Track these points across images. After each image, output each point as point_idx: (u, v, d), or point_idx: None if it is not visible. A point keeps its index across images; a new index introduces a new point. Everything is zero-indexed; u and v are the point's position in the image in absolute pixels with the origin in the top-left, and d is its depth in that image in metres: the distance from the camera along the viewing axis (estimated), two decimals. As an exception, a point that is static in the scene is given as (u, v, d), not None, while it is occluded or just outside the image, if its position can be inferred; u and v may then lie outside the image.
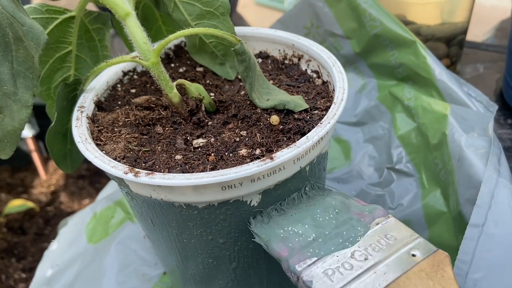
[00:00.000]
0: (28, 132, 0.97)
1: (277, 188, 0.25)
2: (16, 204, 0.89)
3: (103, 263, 0.40)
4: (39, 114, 1.01)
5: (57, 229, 0.88)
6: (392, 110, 0.43)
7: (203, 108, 0.29)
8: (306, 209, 0.25)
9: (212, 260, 0.29)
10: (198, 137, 0.28)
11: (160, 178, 0.23)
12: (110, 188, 0.52)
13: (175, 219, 0.26)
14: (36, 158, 1.02)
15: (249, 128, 0.28)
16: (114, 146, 0.27)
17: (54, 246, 0.45)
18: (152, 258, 0.40)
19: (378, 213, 0.24)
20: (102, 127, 0.29)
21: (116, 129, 0.29)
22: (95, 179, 1.07)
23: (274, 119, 0.27)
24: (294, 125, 0.26)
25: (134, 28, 0.27)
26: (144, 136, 0.28)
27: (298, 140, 0.26)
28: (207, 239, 0.27)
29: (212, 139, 0.27)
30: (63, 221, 0.54)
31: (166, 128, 0.29)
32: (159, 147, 0.27)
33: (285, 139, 0.26)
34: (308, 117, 0.27)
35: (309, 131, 0.26)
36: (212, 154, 0.26)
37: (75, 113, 0.29)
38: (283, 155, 0.23)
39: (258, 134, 0.27)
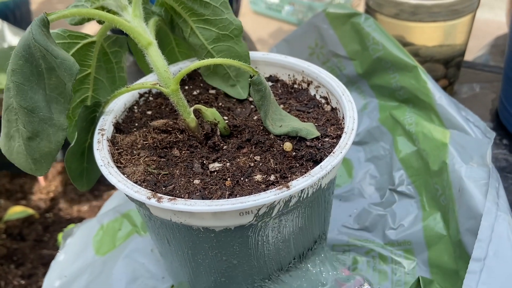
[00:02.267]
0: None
1: (289, 211, 0.27)
2: (16, 211, 0.89)
3: (111, 275, 0.41)
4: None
5: (58, 237, 0.88)
6: (393, 132, 0.45)
7: (218, 133, 0.31)
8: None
9: (224, 279, 0.30)
10: (214, 161, 0.29)
11: (182, 204, 0.24)
12: (115, 200, 0.53)
13: (192, 240, 0.28)
14: (35, 164, 1.02)
15: (263, 153, 0.29)
16: (134, 169, 0.28)
17: (61, 257, 0.46)
18: (159, 271, 0.41)
19: (356, 282, 0.26)
20: (122, 150, 0.30)
21: (135, 151, 0.30)
22: (93, 186, 1.08)
23: (287, 146, 0.28)
24: (307, 152, 0.28)
25: (156, 57, 0.28)
26: (162, 159, 0.30)
27: (310, 166, 0.27)
28: (221, 260, 0.29)
29: (228, 164, 0.29)
30: (67, 230, 0.54)
31: (183, 151, 0.30)
32: (177, 171, 0.28)
33: (298, 165, 0.28)
34: (319, 145, 0.28)
35: (321, 158, 0.27)
36: (229, 179, 0.27)
37: (96, 136, 0.30)
38: (299, 183, 0.24)
39: (272, 160, 0.28)
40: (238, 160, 0.29)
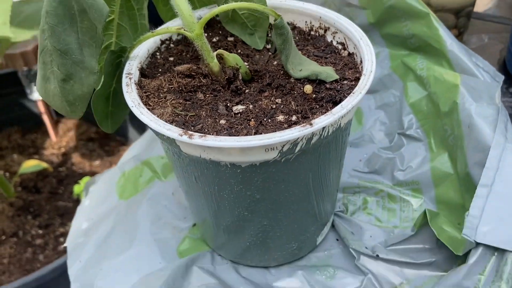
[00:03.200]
0: (38, 95, 0.98)
1: (310, 150, 0.29)
2: (31, 164, 0.92)
3: (137, 216, 0.44)
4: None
5: (74, 189, 0.91)
6: (404, 79, 0.46)
7: (240, 77, 0.32)
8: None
9: (247, 213, 0.33)
10: (237, 103, 0.31)
11: (212, 140, 0.26)
12: (133, 151, 0.55)
13: (218, 176, 0.30)
14: (46, 120, 1.04)
15: (284, 96, 0.31)
16: (162, 111, 0.30)
17: (86, 202, 0.49)
18: (181, 212, 0.44)
19: None
20: (149, 93, 0.31)
21: (161, 95, 0.32)
22: (104, 141, 1.10)
23: (308, 88, 0.30)
24: (326, 94, 0.29)
25: (181, 1, 0.29)
26: (188, 102, 0.31)
27: (330, 107, 0.29)
28: (245, 195, 0.31)
29: (251, 106, 0.30)
30: (88, 180, 0.57)
31: (207, 95, 0.32)
32: (203, 113, 0.30)
33: (318, 107, 0.29)
34: (338, 87, 0.30)
35: (340, 100, 0.29)
36: (252, 119, 0.29)
37: (125, 80, 0.31)
38: (321, 121, 0.26)
39: (293, 102, 0.30)
40: (260, 102, 0.30)
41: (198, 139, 0.26)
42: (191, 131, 0.28)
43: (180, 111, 0.30)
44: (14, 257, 0.85)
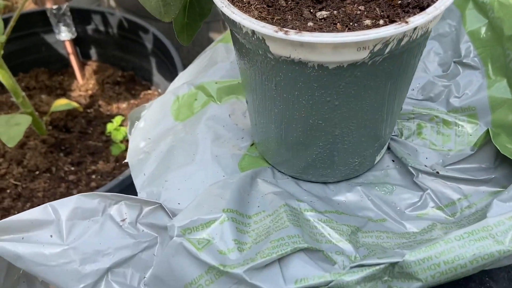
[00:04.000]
0: (66, 36, 0.98)
1: (396, 54, 0.29)
2: (62, 103, 0.93)
3: (195, 135, 0.45)
4: (78, 19, 1.02)
5: (108, 127, 0.93)
6: (462, 8, 0.46)
7: (322, -15, 0.32)
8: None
9: (321, 121, 0.34)
10: (320, 10, 0.31)
11: (308, 36, 0.27)
12: (183, 78, 0.56)
13: (302, 80, 0.31)
14: (73, 61, 1.04)
15: (367, 3, 0.31)
16: (250, 14, 0.30)
17: (141, 124, 0.50)
18: (239, 133, 0.46)
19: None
20: (233, -2, 0.32)
21: (244, 0, 0.32)
22: (130, 85, 1.11)
23: (393, -6, 0.30)
24: (412, 0, 0.30)
25: None
26: (270, 8, 0.32)
27: (417, 13, 0.29)
28: (325, 101, 0.32)
29: (335, 12, 0.31)
30: (132, 112, 0.57)
31: (289, 2, 0.32)
32: (289, 16, 0.31)
33: (403, 12, 0.30)
34: (424, -6, 0.30)
35: (428, 5, 0.29)
36: (338, 23, 0.30)
37: (210, -17, 0.32)
38: (416, 20, 0.27)
39: (377, 8, 0.30)
40: (344, 9, 0.31)
41: (294, 35, 0.27)
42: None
43: (266, 15, 0.31)
44: (49, 191, 0.88)
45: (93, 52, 1.10)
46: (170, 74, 0.98)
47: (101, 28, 1.04)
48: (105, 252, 0.33)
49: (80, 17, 1.01)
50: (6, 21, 0.77)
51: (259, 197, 0.37)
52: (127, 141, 0.95)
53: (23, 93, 0.84)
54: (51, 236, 0.33)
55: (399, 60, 0.30)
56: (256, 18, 0.30)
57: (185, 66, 0.96)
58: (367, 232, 0.36)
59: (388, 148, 0.43)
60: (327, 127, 0.34)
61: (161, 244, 0.35)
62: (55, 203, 0.34)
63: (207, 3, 0.36)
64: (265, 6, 0.32)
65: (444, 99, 0.44)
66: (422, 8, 0.29)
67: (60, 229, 0.33)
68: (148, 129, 0.49)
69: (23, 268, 0.33)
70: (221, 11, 0.30)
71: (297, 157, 0.39)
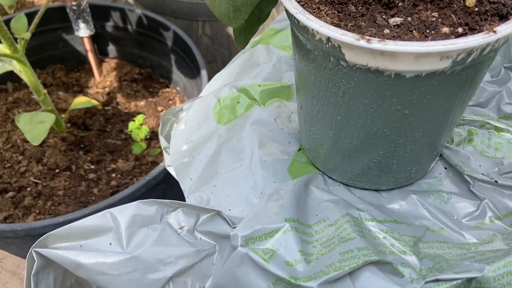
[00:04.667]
0: (84, 32, 0.97)
1: (475, 63, 0.29)
2: (82, 101, 0.92)
3: (241, 139, 0.44)
4: (97, 15, 1.00)
5: (129, 126, 0.92)
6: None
7: (392, -10, 0.32)
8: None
9: (387, 130, 0.33)
10: (392, 16, 0.30)
11: (393, 45, 0.26)
12: (220, 80, 0.55)
13: (375, 89, 0.30)
14: (91, 58, 1.03)
15: (441, 10, 0.30)
16: (322, 20, 0.30)
17: (181, 126, 0.49)
18: (285, 137, 0.45)
19: None
20: (303, 3, 0.31)
21: (314, 5, 0.31)
22: (148, 83, 1.10)
23: (470, 1, 0.30)
24: (491, 8, 0.29)
25: None
26: (340, 14, 0.31)
27: (496, 21, 0.28)
28: (395, 109, 0.31)
29: (409, 18, 0.30)
30: (164, 114, 0.56)
31: (359, 7, 0.31)
32: (363, 23, 0.30)
33: (481, 20, 0.29)
34: (502, 0, 0.29)
35: (507, 13, 0.28)
36: (414, 30, 0.29)
37: (279, -12, 0.31)
38: (504, 29, 0.26)
39: (453, 16, 0.30)
40: (417, 15, 0.30)
41: (377, 43, 0.26)
42: (359, 38, 0.28)
43: (338, 21, 0.30)
44: (69, 190, 0.87)
45: (110, 49, 1.09)
46: (190, 71, 0.97)
47: (120, 24, 1.03)
48: (167, 261, 0.32)
49: (99, 13, 1.00)
50: (26, 17, 0.76)
51: (315, 204, 0.37)
52: (147, 139, 0.94)
53: (45, 91, 0.83)
54: (110, 243, 0.33)
55: (475, 69, 0.30)
56: (330, 24, 0.29)
57: (206, 64, 0.95)
58: (427, 242, 0.35)
59: (440, 155, 0.42)
60: (391, 136, 0.34)
61: (219, 253, 0.34)
62: (114, 210, 0.33)
63: (267, 7, 0.35)
64: (335, 11, 0.31)
65: (495, 105, 0.44)
66: (501, 16, 0.29)
67: (119, 237, 0.33)
68: (189, 131, 0.48)
69: (83, 277, 0.32)
70: (294, 17, 0.29)
71: (352, 164, 0.38)
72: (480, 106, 0.45)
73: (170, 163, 0.45)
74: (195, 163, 0.44)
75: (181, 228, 0.34)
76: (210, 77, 0.89)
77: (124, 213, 0.33)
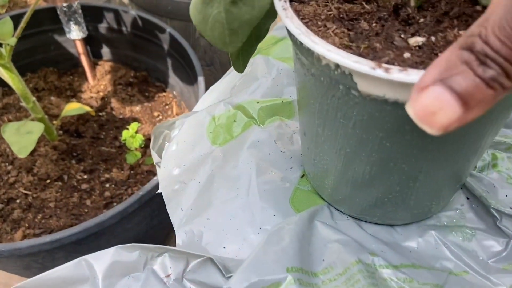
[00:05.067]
0: (76, 35, 0.92)
1: None
2: (74, 107, 0.87)
3: (238, 164, 0.40)
4: (89, 17, 0.96)
5: (123, 135, 0.87)
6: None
7: (412, 3, 0.27)
8: None
9: (405, 165, 0.28)
10: (412, 35, 0.26)
11: (417, 75, 0.21)
12: (215, 94, 0.50)
13: (391, 121, 0.25)
14: (84, 61, 0.98)
15: (468, 27, 0.26)
16: (329, 41, 0.25)
17: (172, 147, 0.45)
18: (286, 162, 0.40)
19: None
20: (307, 20, 0.26)
21: (319, 23, 0.26)
22: (143, 87, 1.05)
23: (507, 18, 0.25)
24: (532, 26, 0.24)
25: None
26: (351, 32, 0.26)
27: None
28: (416, 144, 0.27)
29: (432, 38, 0.25)
30: (155, 128, 0.52)
31: (373, 24, 0.27)
32: (377, 44, 0.25)
33: (520, 41, 0.24)
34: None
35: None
36: (439, 54, 0.24)
37: (278, 3, 0.26)
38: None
39: (486, 35, 0.25)
40: (442, 34, 0.25)
41: (397, 73, 0.22)
42: (375, 65, 0.23)
43: (348, 42, 0.25)
44: (61, 201, 0.83)
45: (104, 51, 1.05)
46: (187, 75, 0.93)
47: (114, 26, 0.98)
48: (150, 320, 0.28)
49: (91, 14, 0.95)
50: (13, 19, 0.72)
51: (321, 246, 0.32)
52: (143, 147, 0.90)
53: (34, 98, 0.78)
54: (85, 298, 0.28)
55: (505, 97, 0.25)
56: (338, 47, 0.25)
57: (203, 68, 0.90)
58: (450, 290, 0.31)
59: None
60: (410, 171, 0.29)
61: (212, 306, 0.30)
62: (89, 257, 0.29)
63: (265, 24, 0.30)
64: (345, 30, 0.26)
65: (522, 126, 0.39)
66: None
67: (96, 290, 0.28)
68: (181, 153, 0.43)
69: None
70: (297, 38, 0.25)
71: (363, 198, 0.33)
72: (505, 126, 0.40)
73: (161, 189, 0.41)
74: (187, 190, 0.39)
75: (168, 276, 0.30)
76: (207, 81, 0.84)
77: (101, 260, 0.29)
